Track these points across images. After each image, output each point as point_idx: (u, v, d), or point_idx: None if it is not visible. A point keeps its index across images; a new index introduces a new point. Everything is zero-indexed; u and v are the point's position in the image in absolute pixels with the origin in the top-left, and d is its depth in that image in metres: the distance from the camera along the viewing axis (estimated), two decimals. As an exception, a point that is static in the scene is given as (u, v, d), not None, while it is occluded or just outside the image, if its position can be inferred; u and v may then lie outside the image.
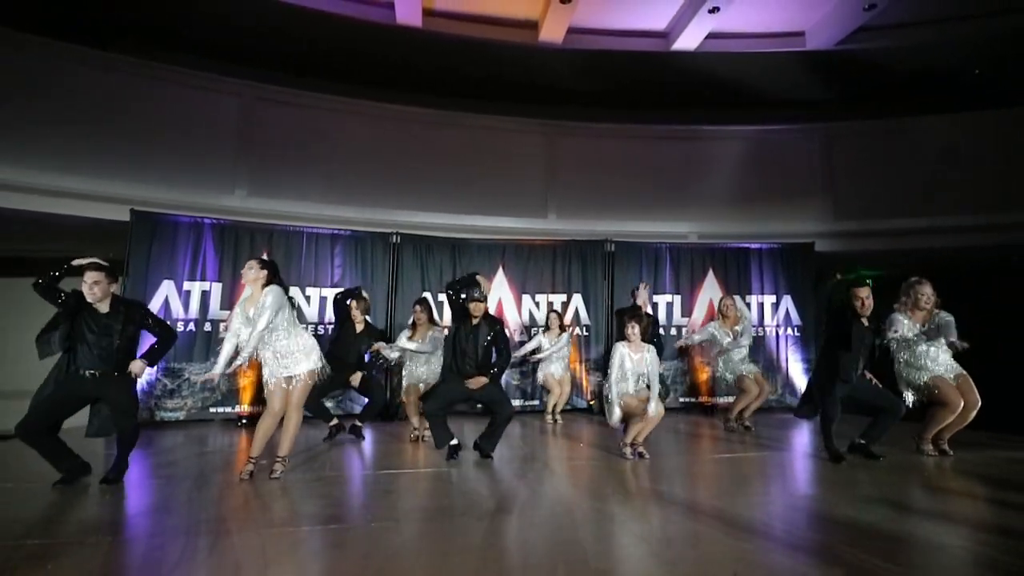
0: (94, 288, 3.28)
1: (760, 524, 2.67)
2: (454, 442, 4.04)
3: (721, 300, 5.75)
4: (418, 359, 4.88)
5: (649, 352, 4.13)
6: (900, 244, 7.25)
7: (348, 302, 5.01)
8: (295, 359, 3.51)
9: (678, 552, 2.32)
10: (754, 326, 6.90)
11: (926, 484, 3.49)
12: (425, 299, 5.33)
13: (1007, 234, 6.89)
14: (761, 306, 7.09)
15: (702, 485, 3.57)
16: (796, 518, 2.82)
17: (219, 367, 3.40)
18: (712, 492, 3.37)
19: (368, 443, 4.78)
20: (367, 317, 5.12)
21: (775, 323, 7.08)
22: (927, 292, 4.11)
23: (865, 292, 4.01)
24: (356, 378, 4.86)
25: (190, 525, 2.61)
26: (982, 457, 4.05)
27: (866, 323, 4.05)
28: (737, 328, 5.39)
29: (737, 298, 5.70)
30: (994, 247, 7.09)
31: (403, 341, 4.78)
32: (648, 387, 4.07)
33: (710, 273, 7.11)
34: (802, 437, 5.21)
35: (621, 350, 4.10)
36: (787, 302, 7.12)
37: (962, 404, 3.97)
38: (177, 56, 6.71)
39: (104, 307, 3.35)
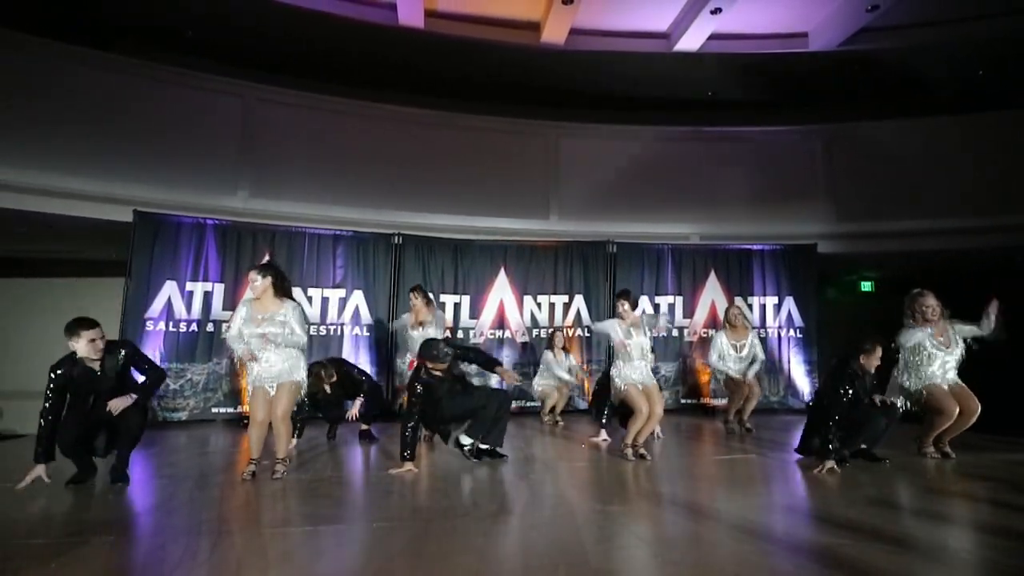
0: (98, 343, 3.19)
1: (762, 526, 2.66)
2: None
3: (728, 310, 5.68)
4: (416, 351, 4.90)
5: (644, 335, 4.16)
6: (902, 246, 7.25)
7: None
8: (282, 370, 3.49)
9: (680, 554, 2.31)
10: (755, 328, 6.91)
11: (928, 486, 3.48)
12: (419, 285, 5.35)
13: (1010, 235, 6.88)
14: (763, 307, 7.09)
15: (704, 487, 3.56)
16: (798, 520, 2.81)
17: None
18: (714, 494, 3.35)
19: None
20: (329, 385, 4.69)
21: (777, 325, 7.08)
22: (931, 303, 4.03)
23: (879, 353, 3.86)
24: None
25: (192, 525, 2.61)
26: (984, 460, 4.03)
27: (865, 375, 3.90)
28: (744, 343, 5.38)
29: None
30: (997, 249, 7.09)
31: (407, 330, 5.00)
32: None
33: (712, 274, 7.11)
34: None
35: (613, 324, 4.15)
36: (789, 303, 7.12)
37: (958, 410, 3.93)
38: (179, 57, 6.72)
39: (96, 364, 3.25)
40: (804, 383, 6.92)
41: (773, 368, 6.91)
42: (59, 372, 3.20)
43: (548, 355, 6.06)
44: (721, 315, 6.84)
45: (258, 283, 3.51)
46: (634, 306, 4.17)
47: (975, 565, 2.23)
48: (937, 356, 4.01)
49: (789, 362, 6.98)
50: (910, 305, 4.10)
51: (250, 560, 2.20)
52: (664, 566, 2.18)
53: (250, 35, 6.69)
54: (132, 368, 3.42)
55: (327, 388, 4.62)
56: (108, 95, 6.08)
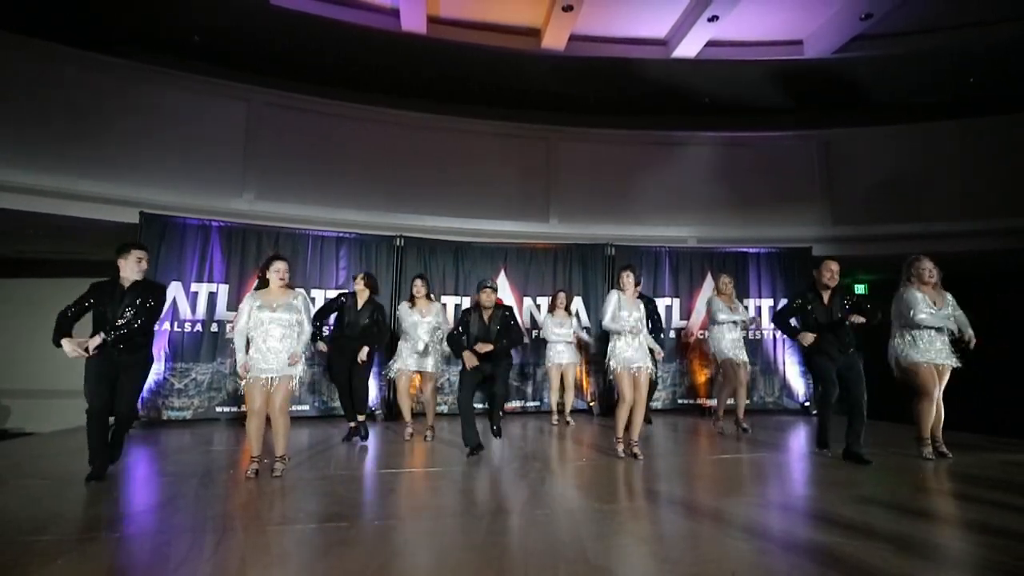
0: (141, 263, 3.55)
1: (758, 524, 2.70)
2: (479, 441, 4.13)
3: (719, 278, 5.78)
4: (410, 345, 4.93)
5: (639, 311, 4.23)
6: (897, 249, 7.29)
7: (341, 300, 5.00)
8: (281, 361, 3.55)
9: (677, 552, 2.35)
10: (754, 329, 6.97)
11: (923, 485, 3.51)
12: (423, 274, 5.34)
13: (1004, 239, 6.95)
14: (759, 309, 7.15)
15: (700, 485, 3.60)
16: (794, 518, 2.84)
17: (240, 358, 3.58)
18: (710, 492, 3.39)
19: (371, 442, 4.84)
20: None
21: (772, 326, 7.13)
22: (928, 266, 4.12)
23: (835, 265, 4.24)
24: (363, 352, 4.77)
25: (196, 522, 2.66)
26: (979, 460, 4.08)
27: (826, 298, 4.19)
28: (736, 315, 5.49)
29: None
30: (992, 252, 7.15)
31: (407, 317, 4.97)
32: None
33: (709, 277, 7.17)
34: (798, 439, 5.26)
35: (616, 295, 4.22)
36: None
37: (935, 394, 4.01)
38: (186, 62, 6.80)
39: (128, 283, 3.53)
40: (799, 384, 6.98)
41: (769, 369, 6.98)
42: (94, 284, 3.51)
43: (545, 320, 6.01)
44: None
45: (283, 268, 3.70)
46: (637, 282, 4.30)
47: (970, 563, 2.26)
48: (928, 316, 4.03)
49: (784, 363, 7.04)
50: (907, 269, 4.19)
51: (253, 557, 2.26)
52: (662, 564, 2.22)
53: (255, 40, 6.75)
54: (147, 309, 3.52)
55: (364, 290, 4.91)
56: (115, 99, 6.14)
